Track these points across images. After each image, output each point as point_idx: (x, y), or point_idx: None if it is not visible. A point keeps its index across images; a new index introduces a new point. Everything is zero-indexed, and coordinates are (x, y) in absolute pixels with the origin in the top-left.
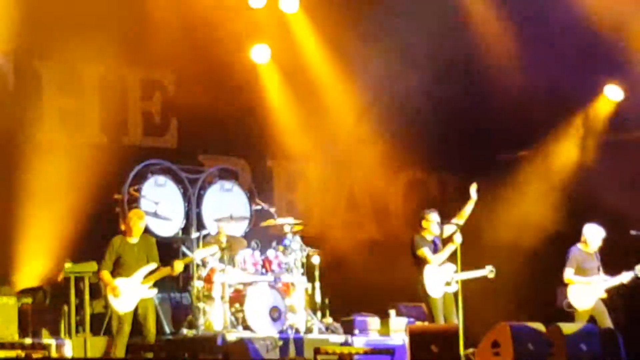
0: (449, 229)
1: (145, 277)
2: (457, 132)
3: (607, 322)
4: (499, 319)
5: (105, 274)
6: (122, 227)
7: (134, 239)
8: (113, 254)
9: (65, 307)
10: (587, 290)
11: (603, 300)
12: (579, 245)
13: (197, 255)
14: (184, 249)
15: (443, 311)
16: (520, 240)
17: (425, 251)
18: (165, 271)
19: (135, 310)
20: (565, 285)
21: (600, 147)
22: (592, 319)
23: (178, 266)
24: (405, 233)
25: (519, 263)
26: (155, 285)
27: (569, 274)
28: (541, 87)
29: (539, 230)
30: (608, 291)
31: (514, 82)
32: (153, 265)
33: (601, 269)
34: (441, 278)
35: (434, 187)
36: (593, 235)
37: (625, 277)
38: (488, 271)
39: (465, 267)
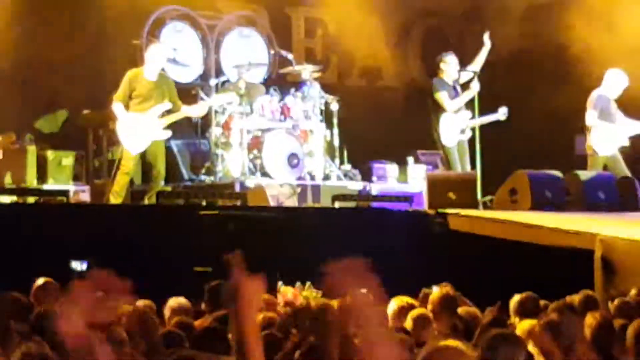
0: (465, 76)
1: (160, 117)
2: None
3: (623, 170)
4: (516, 167)
5: (118, 106)
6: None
7: (152, 76)
8: (127, 86)
9: (84, 153)
10: (610, 135)
11: (624, 147)
12: (601, 90)
13: (215, 100)
14: (202, 95)
15: (459, 159)
16: (538, 89)
17: (442, 95)
18: (182, 113)
19: (145, 152)
20: (584, 133)
21: None
22: (605, 169)
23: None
24: (424, 80)
25: (537, 111)
26: (172, 130)
27: (592, 117)
28: None
29: (557, 77)
30: (631, 139)
31: None
32: (168, 105)
33: (622, 115)
34: (456, 126)
35: (453, 36)
36: (615, 81)
37: None
38: (501, 114)
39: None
